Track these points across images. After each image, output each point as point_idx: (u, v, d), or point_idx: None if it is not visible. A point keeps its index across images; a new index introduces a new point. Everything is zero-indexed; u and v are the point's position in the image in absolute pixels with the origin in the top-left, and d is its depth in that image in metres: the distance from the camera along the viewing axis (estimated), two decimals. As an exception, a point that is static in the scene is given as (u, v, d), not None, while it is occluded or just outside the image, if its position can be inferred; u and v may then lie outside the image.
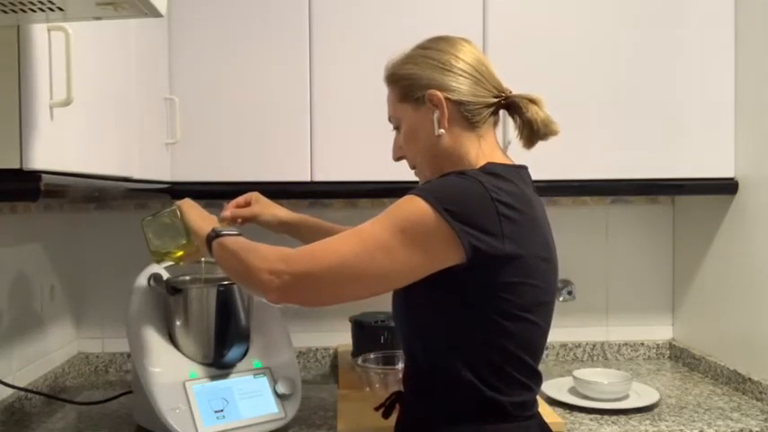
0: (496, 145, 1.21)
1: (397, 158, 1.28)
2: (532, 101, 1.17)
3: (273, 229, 1.54)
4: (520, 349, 1.12)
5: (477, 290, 1.08)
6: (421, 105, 1.19)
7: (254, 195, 1.54)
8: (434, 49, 1.20)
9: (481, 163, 1.16)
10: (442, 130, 1.17)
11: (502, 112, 1.23)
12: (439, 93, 1.16)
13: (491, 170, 1.12)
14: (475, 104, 1.17)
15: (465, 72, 1.17)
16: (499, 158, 1.18)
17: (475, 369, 1.10)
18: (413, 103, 1.20)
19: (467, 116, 1.17)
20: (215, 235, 1.22)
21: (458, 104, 1.17)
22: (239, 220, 1.50)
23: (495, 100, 1.19)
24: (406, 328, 1.20)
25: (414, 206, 1.06)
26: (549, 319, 1.19)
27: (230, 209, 1.51)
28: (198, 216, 1.35)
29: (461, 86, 1.17)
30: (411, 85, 1.20)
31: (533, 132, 1.17)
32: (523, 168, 1.20)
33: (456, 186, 1.08)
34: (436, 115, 1.17)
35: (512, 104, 1.19)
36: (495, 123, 1.22)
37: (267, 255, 1.10)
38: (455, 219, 1.04)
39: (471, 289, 1.08)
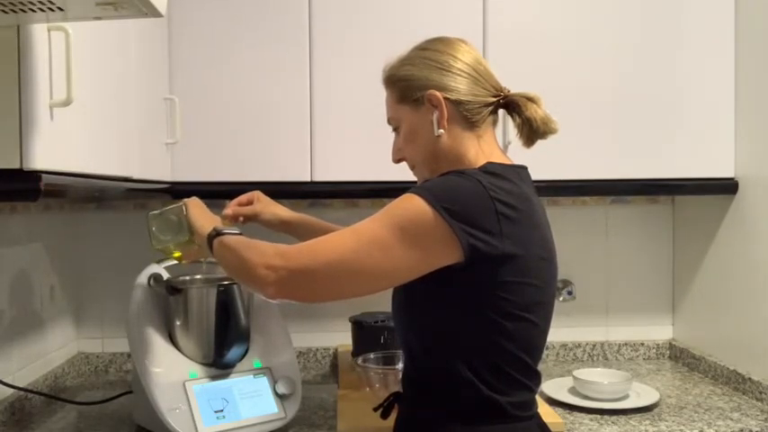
0: (496, 144, 1.21)
1: (397, 161, 1.28)
2: (531, 99, 1.18)
3: (274, 228, 1.54)
4: (519, 349, 1.12)
5: (476, 289, 1.08)
6: (420, 106, 1.19)
7: (256, 194, 1.55)
8: (432, 50, 1.20)
9: (481, 162, 1.16)
10: (442, 130, 1.17)
11: (501, 113, 1.23)
12: (438, 93, 1.17)
13: (490, 169, 1.12)
14: (474, 104, 1.17)
15: (463, 72, 1.18)
16: (498, 158, 1.18)
17: (473, 368, 1.10)
18: (411, 103, 1.20)
19: (466, 116, 1.17)
20: (215, 234, 1.22)
21: (457, 104, 1.17)
22: (241, 219, 1.51)
23: (494, 99, 1.19)
24: (405, 327, 1.20)
25: (412, 204, 1.06)
26: (549, 318, 1.18)
27: (232, 207, 1.51)
28: (201, 215, 1.35)
29: (460, 86, 1.17)
30: (409, 86, 1.20)
31: (533, 131, 1.18)
32: (523, 168, 1.20)
33: (455, 185, 1.08)
34: (435, 115, 1.17)
35: (510, 103, 1.19)
36: (495, 123, 1.23)
37: (264, 250, 1.10)
38: (453, 217, 1.04)
39: (470, 288, 1.08)
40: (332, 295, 1.11)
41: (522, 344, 1.12)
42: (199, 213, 1.35)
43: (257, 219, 1.53)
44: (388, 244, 1.04)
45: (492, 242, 1.05)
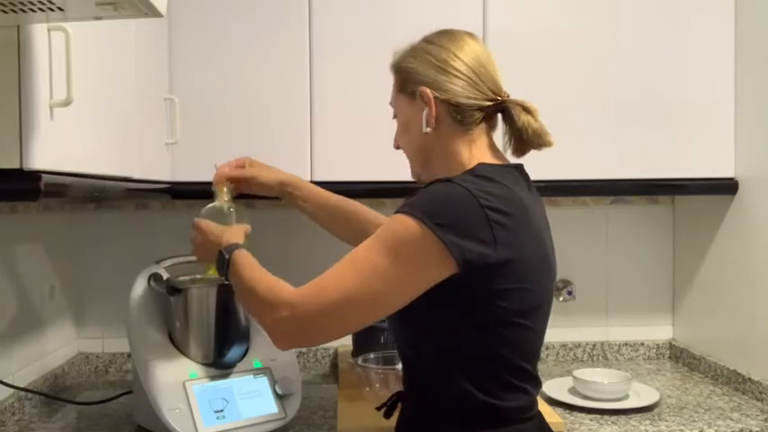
0: (489, 145, 1.18)
1: (397, 147, 1.28)
2: (526, 109, 1.14)
3: (273, 192, 1.52)
4: (515, 355, 1.11)
5: (472, 298, 1.07)
6: (414, 100, 1.19)
7: (247, 159, 1.51)
8: (436, 45, 1.19)
9: (473, 163, 1.14)
10: (429, 129, 1.16)
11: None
12: (429, 91, 1.16)
13: (479, 172, 1.10)
14: (466, 106, 1.15)
15: (460, 72, 1.15)
16: (492, 158, 1.16)
17: (469, 375, 1.10)
18: (408, 95, 1.20)
19: (457, 117, 1.16)
20: (226, 261, 1.22)
21: (448, 104, 1.15)
22: (232, 185, 1.47)
23: (489, 103, 1.16)
24: (402, 335, 1.20)
25: (402, 225, 1.05)
26: (545, 321, 1.18)
27: (224, 170, 1.47)
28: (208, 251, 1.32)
29: (453, 87, 1.15)
30: (408, 78, 1.20)
31: (522, 141, 1.15)
32: (517, 167, 1.18)
33: (443, 197, 1.06)
34: (425, 113, 1.16)
35: (505, 110, 1.17)
36: (493, 125, 1.20)
37: (272, 302, 1.09)
38: (445, 232, 1.02)
39: (466, 298, 1.07)
40: (342, 332, 1.12)
41: (518, 350, 1.11)
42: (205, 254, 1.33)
43: (254, 182, 1.49)
44: (386, 271, 1.04)
45: (486, 252, 1.03)
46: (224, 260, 1.22)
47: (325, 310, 1.05)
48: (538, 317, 1.14)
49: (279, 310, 1.08)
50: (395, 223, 1.06)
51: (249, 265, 1.18)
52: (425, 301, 1.07)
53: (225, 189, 1.47)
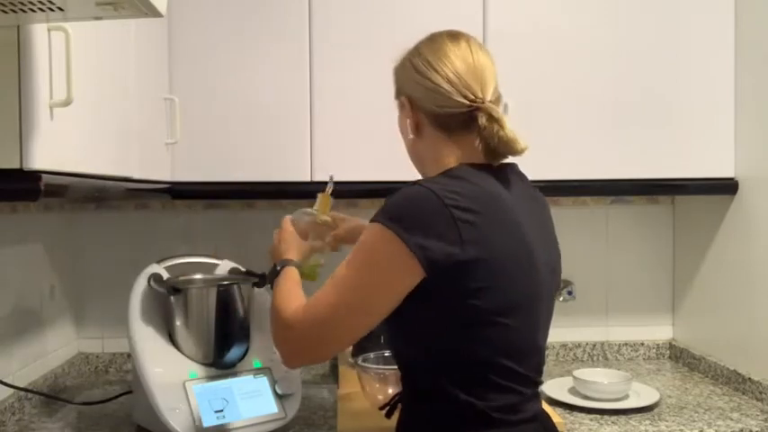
0: (476, 147, 1.16)
1: None
2: (491, 117, 1.13)
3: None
4: (496, 354, 1.10)
5: (444, 299, 1.07)
6: (403, 107, 1.23)
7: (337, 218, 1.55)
8: (419, 56, 1.20)
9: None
10: (412, 136, 1.21)
11: None
12: (407, 102, 1.20)
13: (453, 173, 1.11)
14: (440, 114, 1.16)
15: (438, 86, 1.15)
16: (477, 160, 1.15)
17: (451, 375, 1.10)
18: (398, 101, 1.25)
19: (437, 124, 1.17)
20: (275, 273, 1.29)
21: (425, 113, 1.18)
22: (333, 201, 1.55)
23: (465, 110, 1.15)
24: (391, 339, 1.22)
25: (372, 235, 1.08)
26: (535, 320, 1.16)
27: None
28: (289, 242, 1.39)
29: (428, 97, 1.17)
30: (397, 86, 1.25)
31: (490, 149, 1.14)
32: (502, 167, 1.17)
33: (406, 200, 1.07)
34: (408, 120, 1.21)
35: (474, 116, 1.15)
36: (479, 125, 1.17)
37: (279, 324, 1.17)
38: (410, 234, 1.03)
39: (439, 298, 1.07)
40: (338, 346, 1.17)
41: (500, 348, 1.10)
42: (290, 239, 1.39)
43: (341, 231, 1.54)
44: (364, 282, 1.08)
45: (452, 251, 1.03)
46: (274, 273, 1.29)
47: (316, 328, 1.11)
48: (520, 315, 1.11)
49: (283, 331, 1.16)
50: (366, 234, 1.09)
51: (283, 286, 1.24)
52: (404, 304, 1.08)
53: (325, 200, 1.54)
